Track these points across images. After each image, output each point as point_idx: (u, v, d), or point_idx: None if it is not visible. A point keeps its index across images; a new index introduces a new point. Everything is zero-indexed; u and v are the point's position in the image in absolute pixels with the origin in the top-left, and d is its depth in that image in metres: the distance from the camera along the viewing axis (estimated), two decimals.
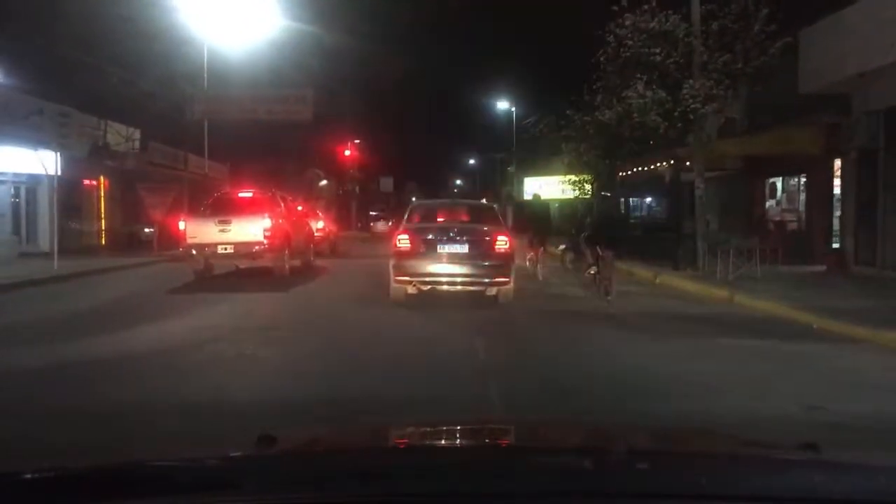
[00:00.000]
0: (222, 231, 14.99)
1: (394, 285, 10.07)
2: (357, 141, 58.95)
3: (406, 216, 11.29)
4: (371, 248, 27.23)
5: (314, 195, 53.83)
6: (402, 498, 1.37)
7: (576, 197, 32.70)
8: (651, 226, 22.08)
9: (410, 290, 10.05)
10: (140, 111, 25.02)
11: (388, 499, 1.37)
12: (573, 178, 29.93)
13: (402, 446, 1.95)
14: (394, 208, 53.19)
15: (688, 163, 16.27)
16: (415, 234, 10.11)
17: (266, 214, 15.09)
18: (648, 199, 29.41)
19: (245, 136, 37.30)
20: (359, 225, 63.07)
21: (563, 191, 34.97)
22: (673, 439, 2.18)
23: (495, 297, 10.22)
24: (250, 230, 15.00)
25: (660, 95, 14.81)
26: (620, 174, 20.76)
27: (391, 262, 10.08)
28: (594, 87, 16.89)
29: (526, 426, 2.54)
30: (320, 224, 22.14)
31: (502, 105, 42.29)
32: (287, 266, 15.81)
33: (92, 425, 4.72)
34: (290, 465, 1.55)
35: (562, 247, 17.75)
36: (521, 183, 42.80)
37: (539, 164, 43.91)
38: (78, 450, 2.63)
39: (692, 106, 14.50)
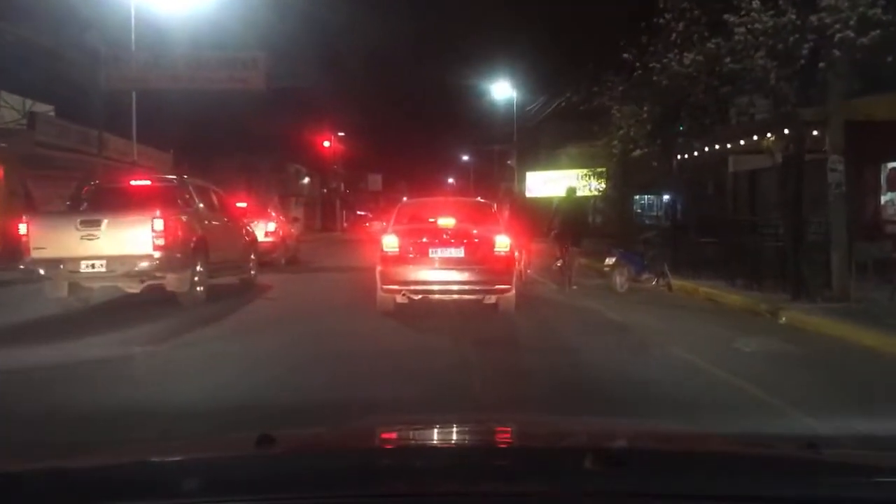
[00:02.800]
0: (88, 238, 9.18)
1: (381, 294, 8.90)
2: (341, 134, 53.12)
3: (394, 216, 9.85)
4: (349, 256, 21.41)
5: (293, 193, 48.20)
6: (402, 498, 1.35)
7: (601, 192, 27.16)
8: (711, 227, 16.38)
9: (399, 299, 8.85)
10: (52, 81, 19.27)
11: (388, 499, 1.35)
12: (597, 169, 24.56)
13: (401, 446, 1.89)
14: (382, 207, 48.02)
15: (814, 132, 10.55)
16: (404, 236, 8.97)
17: (158, 212, 9.33)
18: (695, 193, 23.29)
19: (206, 124, 31.50)
20: (344, 226, 57.64)
21: (584, 186, 29.48)
22: (672, 439, 2.09)
23: (494, 305, 9.04)
24: (132, 236, 9.22)
25: (787, 19, 9.13)
26: (679, 157, 15.01)
27: (377, 269, 8.87)
28: (662, 17, 11.13)
29: (525, 426, 2.40)
30: (271, 226, 16.32)
31: (500, 90, 36.25)
32: (201, 288, 10.04)
33: None
34: (290, 465, 1.50)
35: (609, 260, 12.03)
36: (522, 179, 37.12)
37: (541, 157, 38.35)
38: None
39: (840, 35, 8.85)
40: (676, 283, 12.34)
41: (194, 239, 9.94)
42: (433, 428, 2.19)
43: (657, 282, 12.04)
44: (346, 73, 45.88)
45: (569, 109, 33.09)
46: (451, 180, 73.03)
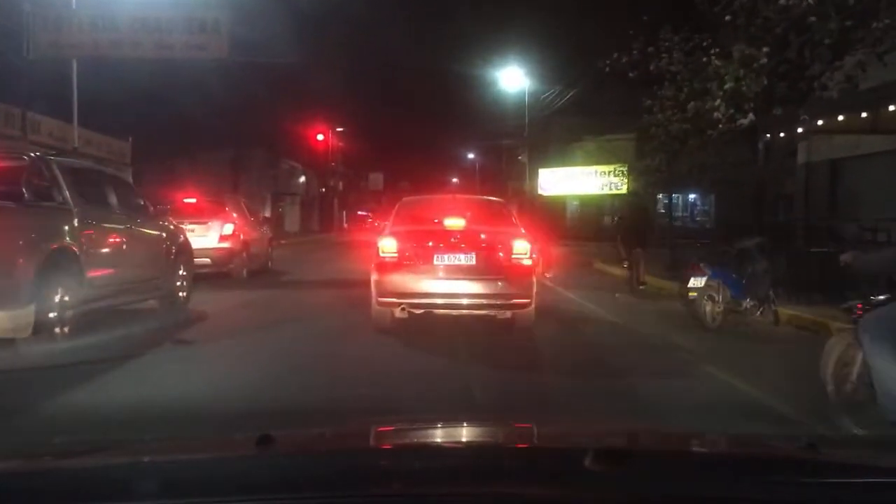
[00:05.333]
0: None
1: (376, 308, 7.41)
2: (340, 129, 49.10)
3: (393, 216, 8.24)
4: (341, 263, 17.46)
5: (288, 191, 44.28)
6: (401, 498, 1.33)
7: (631, 191, 23.26)
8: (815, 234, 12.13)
9: (398, 313, 7.29)
10: None
11: (388, 499, 1.33)
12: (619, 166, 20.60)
13: (401, 447, 1.83)
14: (384, 207, 44.19)
15: None
16: (404, 239, 7.46)
17: None
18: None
19: (186, 113, 27.52)
20: (345, 226, 53.82)
21: (619, 183, 25.81)
22: (673, 440, 2.04)
23: (510, 320, 7.48)
24: None
25: None
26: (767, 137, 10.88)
27: (373, 277, 7.41)
28: None
29: (526, 427, 2.25)
30: (227, 229, 12.31)
31: (511, 78, 31.96)
32: (62, 329, 6.11)
33: None
34: (290, 465, 1.47)
35: (696, 280, 8.00)
36: (534, 176, 33.19)
37: (555, 152, 34.39)
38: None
39: None
40: (784, 312, 8.39)
41: (49, 250, 5.98)
42: (433, 429, 2.12)
43: (762, 311, 8.04)
44: (340, 56, 41.81)
45: (589, 98, 29.25)
46: (455, 180, 69.02)
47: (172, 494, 1.27)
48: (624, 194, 26.90)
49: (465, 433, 2.04)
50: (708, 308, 7.80)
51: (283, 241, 33.07)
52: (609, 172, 30.37)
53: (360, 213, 62.14)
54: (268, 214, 40.15)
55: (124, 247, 7.32)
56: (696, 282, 7.88)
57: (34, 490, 1.30)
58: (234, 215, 12.95)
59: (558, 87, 30.30)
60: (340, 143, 51.17)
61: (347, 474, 1.36)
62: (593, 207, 33.38)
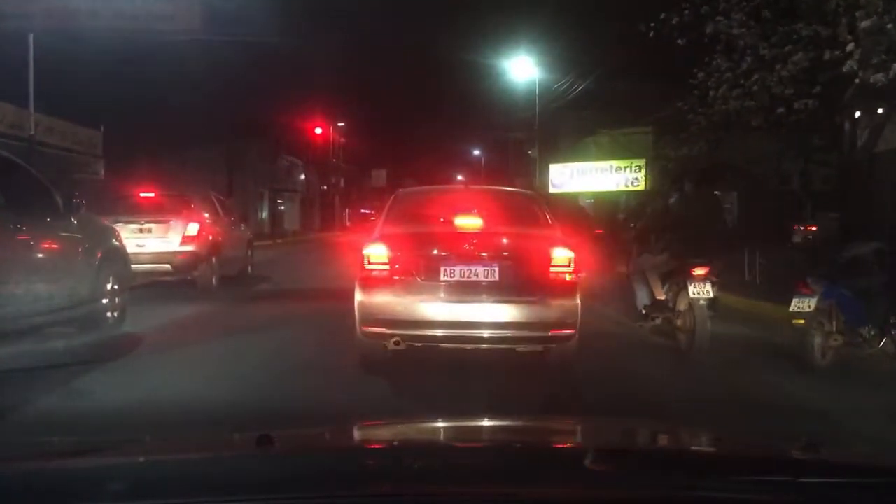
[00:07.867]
0: None
1: (361, 339, 5.54)
2: (341, 124, 46.97)
3: (385, 213, 6.23)
4: (336, 266, 15.18)
5: (287, 188, 42.21)
6: (402, 498, 1.30)
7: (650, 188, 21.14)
8: None
9: (391, 346, 5.38)
10: None
11: (388, 499, 1.30)
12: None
13: (401, 447, 1.79)
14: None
15: None
16: (399, 246, 5.55)
17: None
18: None
19: (174, 103, 25.32)
20: (347, 225, 51.83)
21: (637, 179, 23.63)
22: (672, 439, 2.01)
23: (541, 354, 5.69)
24: None
25: None
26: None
27: (356, 298, 5.50)
28: None
29: (525, 427, 2.25)
30: (192, 229, 10.07)
31: (520, 68, 29.81)
32: None
33: None
34: (289, 465, 1.44)
35: (803, 301, 5.76)
36: (544, 171, 31.10)
37: (566, 147, 32.29)
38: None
39: None
40: None
41: None
42: (433, 428, 2.10)
43: (884, 342, 5.83)
44: (341, 46, 39.55)
45: (603, 89, 27.13)
46: (460, 177, 66.79)
47: (172, 494, 1.24)
48: (642, 191, 24.95)
49: (465, 433, 2.00)
50: (818, 339, 5.59)
51: (279, 241, 31.09)
52: (626, 168, 28.24)
53: (363, 210, 60.27)
54: (263, 212, 38.14)
55: (4, 254, 5.16)
56: (802, 303, 5.65)
57: (34, 490, 1.27)
58: (205, 213, 10.74)
59: (571, 77, 28.21)
60: (342, 139, 49.11)
61: (347, 474, 1.35)
62: (607, 204, 31.36)
